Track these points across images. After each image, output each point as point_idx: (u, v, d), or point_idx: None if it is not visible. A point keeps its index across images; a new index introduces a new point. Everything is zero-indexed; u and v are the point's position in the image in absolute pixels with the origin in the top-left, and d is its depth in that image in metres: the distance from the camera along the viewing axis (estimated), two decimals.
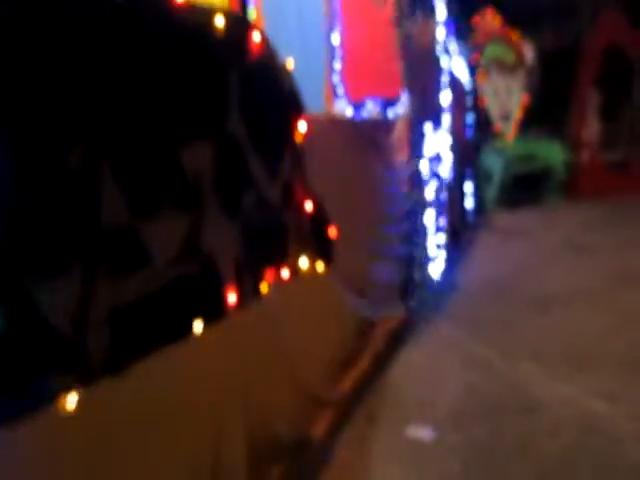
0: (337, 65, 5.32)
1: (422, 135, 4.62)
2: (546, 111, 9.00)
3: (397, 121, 4.15)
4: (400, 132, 4.19)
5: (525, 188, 8.38)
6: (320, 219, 2.60)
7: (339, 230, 3.06)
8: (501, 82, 8.67)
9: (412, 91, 4.36)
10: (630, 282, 4.57)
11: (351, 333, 3.17)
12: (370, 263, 3.62)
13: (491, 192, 8.28)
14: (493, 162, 8.33)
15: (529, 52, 9.02)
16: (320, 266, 2.68)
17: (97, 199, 1.37)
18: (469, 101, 7.84)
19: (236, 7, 5.05)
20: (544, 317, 3.94)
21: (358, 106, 5.04)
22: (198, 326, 1.75)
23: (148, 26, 1.55)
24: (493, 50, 8.63)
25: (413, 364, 3.33)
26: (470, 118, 7.88)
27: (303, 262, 2.50)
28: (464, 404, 2.86)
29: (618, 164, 9.20)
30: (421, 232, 4.56)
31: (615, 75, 8.98)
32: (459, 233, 6.51)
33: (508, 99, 8.70)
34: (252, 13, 5.23)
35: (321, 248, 2.62)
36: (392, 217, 4.12)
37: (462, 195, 7.50)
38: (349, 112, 4.87)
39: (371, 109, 4.64)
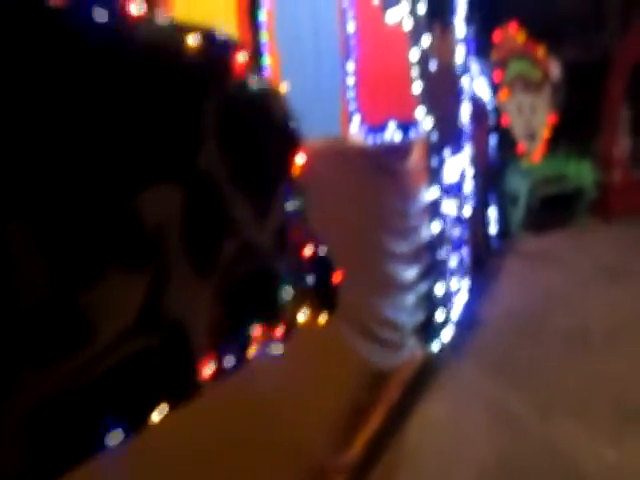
0: (353, 87, 5.05)
1: (442, 160, 4.27)
2: (574, 129, 8.56)
3: (414, 145, 3.81)
4: (417, 157, 3.85)
5: (553, 210, 7.92)
6: (322, 264, 2.26)
7: (349, 267, 2.72)
8: (526, 100, 8.28)
9: (430, 112, 4.03)
10: None
11: (362, 386, 2.81)
12: (385, 304, 3.26)
13: (517, 215, 7.85)
14: (518, 184, 7.92)
15: (555, 68, 8.63)
16: (323, 317, 2.34)
17: (10, 269, 1.06)
18: (492, 121, 7.47)
19: (247, 32, 4.86)
20: (582, 358, 3.54)
21: (377, 130, 4.75)
22: (162, 412, 1.42)
23: (90, 41, 1.24)
24: (517, 66, 8.26)
25: (433, 421, 2.95)
26: (493, 139, 7.51)
27: (302, 315, 2.16)
28: (492, 473, 2.47)
29: None
30: (442, 267, 4.19)
31: None
32: (483, 261, 6.11)
33: (533, 117, 8.30)
34: (264, 36, 5.15)
35: (324, 297, 2.28)
36: (409, 252, 3.76)
37: (486, 220, 7.11)
38: (367, 137, 4.57)
39: (392, 133, 4.32)
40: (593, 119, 8.65)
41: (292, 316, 2.10)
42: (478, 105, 6.44)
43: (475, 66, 6.31)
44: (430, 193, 4.04)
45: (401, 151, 3.64)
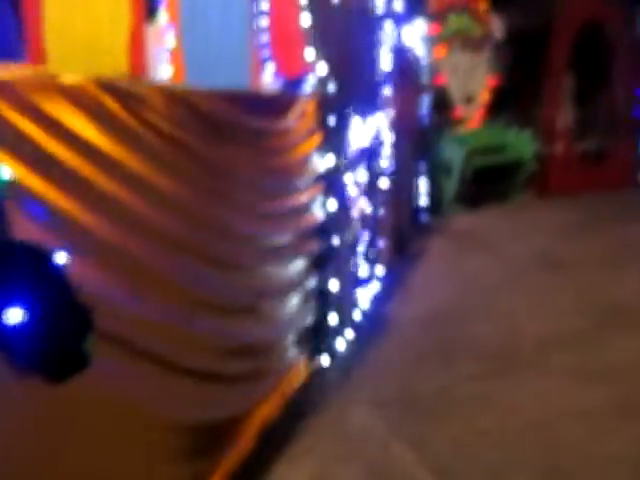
0: (265, 37, 4.05)
1: (344, 121, 3.31)
2: (516, 95, 7.78)
3: (296, 100, 2.83)
4: (303, 115, 2.87)
5: (489, 183, 7.17)
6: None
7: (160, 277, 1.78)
8: (464, 59, 7.40)
9: (324, 57, 3.04)
10: (622, 320, 3.39)
11: (180, 450, 1.88)
12: (240, 323, 2.33)
13: (450, 188, 7.05)
14: (453, 153, 7.09)
15: (498, 26, 7.78)
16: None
17: None
18: (424, 79, 6.55)
19: None
20: (505, 392, 2.67)
21: (295, 84, 3.75)
22: None
23: None
24: (456, 21, 7.35)
25: None
26: (425, 100, 6.60)
27: None
28: None
29: (594, 155, 8.07)
30: (339, 255, 3.28)
31: (591, 56, 7.83)
32: (405, 242, 5.26)
33: (471, 79, 7.43)
34: None
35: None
36: (290, 241, 2.83)
37: (413, 193, 6.26)
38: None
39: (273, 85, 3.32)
40: (536, 86, 7.91)
41: None
42: (406, 59, 5.49)
43: (402, 13, 5.33)
44: (324, 162, 3.09)
45: (272, 106, 2.64)
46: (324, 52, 3.00)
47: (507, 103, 7.73)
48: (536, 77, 7.80)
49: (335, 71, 3.13)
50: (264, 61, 3.85)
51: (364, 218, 3.92)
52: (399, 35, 5.13)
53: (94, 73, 5.43)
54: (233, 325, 2.33)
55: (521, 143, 7.51)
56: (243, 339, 2.44)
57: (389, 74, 4.67)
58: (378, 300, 3.91)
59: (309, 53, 2.96)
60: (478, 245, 5.46)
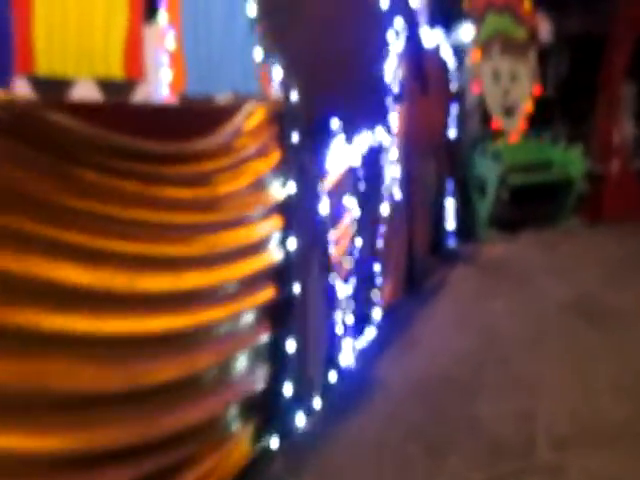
0: None
1: (313, 139, 2.62)
2: (563, 107, 6.88)
3: (240, 114, 2.16)
4: (250, 133, 2.21)
5: (530, 205, 6.29)
6: None
7: None
8: (505, 65, 6.57)
9: (286, 65, 2.38)
10: None
11: None
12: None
13: (483, 210, 6.22)
14: (487, 169, 6.26)
15: (544, 28, 6.92)
16: None
17: None
18: (454, 87, 5.77)
19: None
20: None
21: None
22: None
23: None
24: (495, 22, 6.54)
25: None
26: (455, 111, 5.82)
27: None
28: None
29: None
30: (307, 305, 2.59)
31: None
32: (420, 275, 4.49)
33: (513, 87, 6.58)
34: None
35: None
36: (239, 283, 2.19)
37: (437, 216, 5.48)
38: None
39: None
40: (589, 97, 6.97)
41: None
42: (431, 63, 4.75)
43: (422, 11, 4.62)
44: (283, 188, 2.43)
45: (186, 121, 1.98)
46: (280, 51, 2.34)
47: (554, 115, 6.83)
48: (589, 86, 6.87)
49: (300, 75, 2.47)
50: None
51: (354, 251, 3.24)
52: (416, 35, 4.41)
53: (88, 72, 4.80)
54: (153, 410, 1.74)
55: (569, 160, 6.58)
56: (169, 425, 1.84)
57: (402, 81, 3.97)
58: (368, 354, 3.19)
59: (256, 53, 2.32)
60: (509, 281, 4.64)
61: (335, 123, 2.81)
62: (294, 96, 2.43)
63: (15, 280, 1.41)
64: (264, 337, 2.38)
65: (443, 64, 5.48)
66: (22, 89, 4.60)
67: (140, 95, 5.34)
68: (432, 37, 5.15)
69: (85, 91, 5.08)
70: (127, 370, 1.80)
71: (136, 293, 1.82)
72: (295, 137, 2.45)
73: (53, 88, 4.92)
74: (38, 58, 4.82)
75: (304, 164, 2.52)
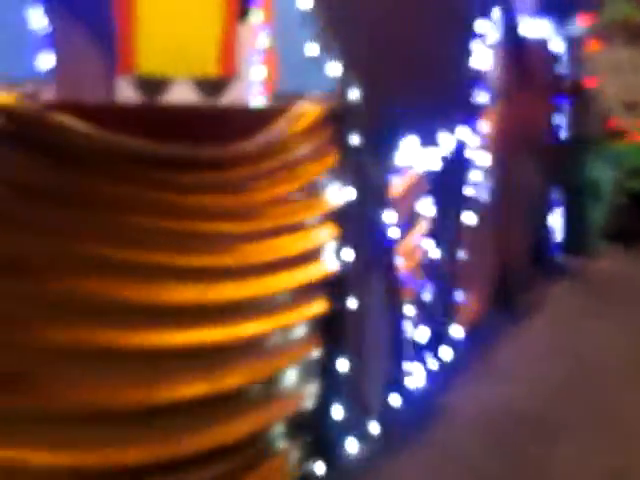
0: None
1: (378, 141, 2.39)
2: None
3: (289, 116, 1.98)
4: (302, 134, 2.03)
5: None
6: None
7: None
8: (627, 55, 5.85)
9: (345, 59, 2.17)
10: None
11: None
12: None
13: (596, 219, 5.58)
14: (602, 174, 5.60)
15: None
16: None
17: None
18: (564, 82, 5.20)
19: None
20: None
21: None
22: None
23: None
24: (618, 8, 5.84)
25: None
26: (565, 107, 5.25)
27: None
28: None
29: None
30: (364, 319, 2.38)
31: None
32: (514, 291, 4.07)
33: (636, 80, 5.86)
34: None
35: None
36: (289, 294, 2.04)
37: (539, 226, 4.97)
38: None
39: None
40: None
41: None
42: (535, 54, 4.29)
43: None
44: (340, 193, 2.23)
45: (226, 125, 1.83)
46: (339, 45, 2.14)
47: None
48: None
49: (363, 71, 2.26)
50: None
51: (428, 263, 2.97)
52: (515, 25, 4.00)
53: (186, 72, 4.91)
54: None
55: None
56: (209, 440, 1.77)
57: (496, 76, 3.61)
58: (441, 377, 2.90)
59: (311, 47, 2.14)
60: (619, 301, 4.08)
61: (406, 123, 2.57)
62: (354, 94, 2.23)
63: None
64: (314, 353, 2.21)
65: (551, 57, 4.97)
66: (124, 90, 4.80)
67: (233, 93, 5.40)
68: (538, 27, 4.68)
69: (182, 91, 5.21)
70: (161, 385, 1.73)
71: (167, 305, 1.73)
72: (355, 139, 2.25)
73: (153, 88, 5.10)
74: (139, 58, 5.02)
75: (365, 168, 2.31)
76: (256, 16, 5.28)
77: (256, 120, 1.92)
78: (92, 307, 1.55)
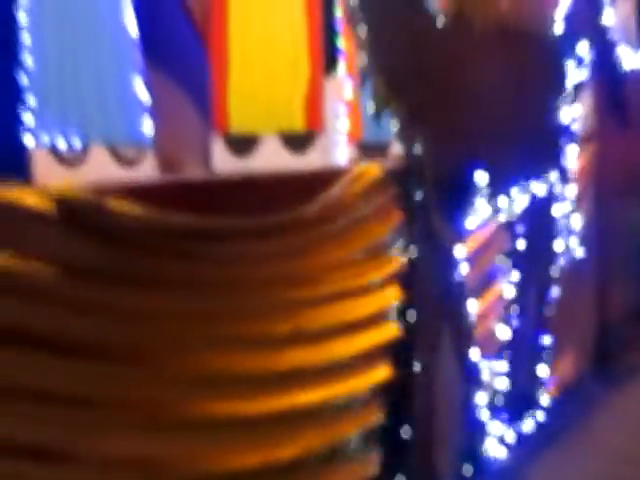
0: None
1: (444, 194, 2.30)
2: None
3: (346, 177, 1.95)
4: (361, 195, 2.00)
5: None
6: None
7: None
8: None
9: (407, 107, 2.14)
10: None
11: None
12: None
13: None
14: None
15: None
16: None
17: None
18: None
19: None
20: None
21: None
22: None
23: None
24: None
25: None
26: None
27: None
28: None
29: None
30: (434, 383, 2.25)
31: None
32: (618, 349, 3.68)
33: None
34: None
35: None
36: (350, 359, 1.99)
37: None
38: None
39: None
40: None
41: None
42: (621, 90, 3.98)
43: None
44: (405, 253, 2.16)
45: (283, 190, 1.82)
46: (401, 99, 2.11)
47: None
48: None
49: (428, 124, 2.21)
50: None
51: (511, 321, 2.78)
52: (610, 58, 3.75)
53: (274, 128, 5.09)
54: None
55: None
56: None
57: (587, 116, 3.40)
58: (527, 447, 2.65)
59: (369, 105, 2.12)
60: None
61: (479, 175, 2.46)
62: (418, 149, 2.18)
63: None
64: (376, 420, 2.12)
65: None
66: (218, 149, 5.06)
67: (319, 146, 5.51)
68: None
69: (270, 147, 5.40)
70: (214, 454, 1.73)
71: (228, 375, 1.74)
72: (419, 196, 2.19)
73: (243, 147, 5.33)
74: (232, 117, 5.28)
75: (431, 225, 2.24)
76: (341, 69, 5.41)
77: (315, 184, 1.92)
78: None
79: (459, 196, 2.38)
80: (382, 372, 2.14)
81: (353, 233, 2.01)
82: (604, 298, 3.61)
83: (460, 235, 2.39)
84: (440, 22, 2.32)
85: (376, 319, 2.14)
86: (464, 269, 2.37)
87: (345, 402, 2.05)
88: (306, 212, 1.82)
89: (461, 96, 2.36)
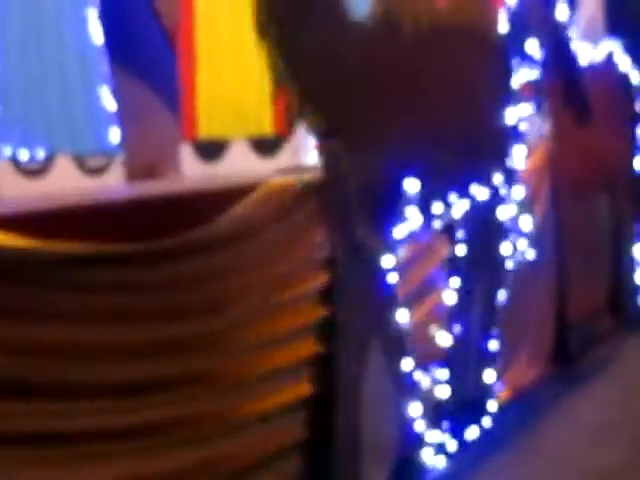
0: None
1: (379, 205, 2.27)
2: None
3: (259, 189, 1.93)
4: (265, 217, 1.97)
5: None
6: None
7: None
8: None
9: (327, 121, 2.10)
10: None
11: None
12: None
13: None
14: None
15: None
16: None
17: None
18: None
19: None
20: None
21: None
22: None
23: None
24: None
25: None
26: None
27: None
28: None
29: None
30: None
31: None
32: (576, 347, 3.64)
33: None
34: None
35: None
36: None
37: (619, 267, 4.46)
38: None
39: None
40: None
41: None
42: (579, 85, 3.92)
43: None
44: (324, 271, 2.13)
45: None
46: (316, 104, 2.07)
47: None
48: None
49: (349, 132, 2.17)
50: None
51: (452, 327, 2.76)
52: (566, 54, 3.69)
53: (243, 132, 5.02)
54: None
55: None
56: None
57: (539, 114, 3.36)
58: (471, 456, 2.61)
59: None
60: None
61: (409, 183, 2.43)
62: (337, 160, 2.15)
63: None
64: (299, 435, 2.09)
65: (621, 81, 4.54)
66: (187, 155, 5.04)
67: (289, 150, 5.47)
68: (603, 50, 4.32)
69: (239, 152, 5.37)
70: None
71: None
72: (339, 210, 2.17)
73: (211, 153, 5.30)
74: (200, 122, 5.25)
75: (355, 238, 2.21)
76: None
77: (219, 202, 1.89)
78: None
79: (386, 206, 2.35)
80: (303, 388, 2.12)
81: (259, 258, 1.96)
82: (563, 299, 3.56)
83: (388, 245, 2.36)
84: (362, 26, 2.28)
85: (297, 335, 2.11)
86: (393, 279, 2.34)
87: (266, 417, 2.03)
88: (204, 234, 1.78)
89: (385, 102, 2.31)
